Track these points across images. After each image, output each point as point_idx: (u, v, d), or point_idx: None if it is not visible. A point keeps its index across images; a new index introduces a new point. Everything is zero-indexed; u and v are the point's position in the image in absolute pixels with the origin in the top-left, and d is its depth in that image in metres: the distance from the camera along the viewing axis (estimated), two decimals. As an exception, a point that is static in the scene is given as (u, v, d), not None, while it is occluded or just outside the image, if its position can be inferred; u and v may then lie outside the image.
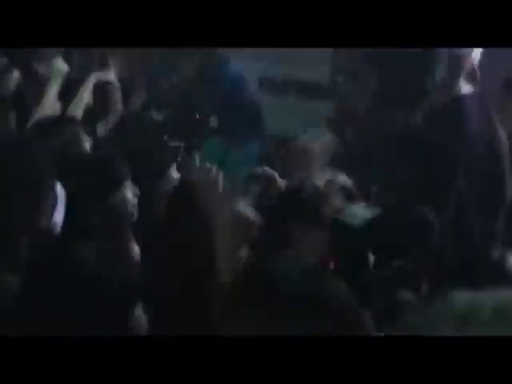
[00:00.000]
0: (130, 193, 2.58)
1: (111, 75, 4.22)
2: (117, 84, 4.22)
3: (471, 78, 3.17)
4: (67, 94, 3.90)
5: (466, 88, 3.18)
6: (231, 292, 1.44)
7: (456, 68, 3.14)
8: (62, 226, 2.21)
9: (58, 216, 2.20)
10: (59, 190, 2.22)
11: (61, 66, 3.79)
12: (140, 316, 1.80)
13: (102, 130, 3.92)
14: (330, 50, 5.49)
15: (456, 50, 3.08)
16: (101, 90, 4.05)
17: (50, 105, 3.69)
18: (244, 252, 1.99)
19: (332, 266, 2.33)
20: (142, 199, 2.67)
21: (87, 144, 3.18)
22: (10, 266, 1.94)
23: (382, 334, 1.15)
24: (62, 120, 3.35)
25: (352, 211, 2.63)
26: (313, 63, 5.93)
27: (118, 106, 4.20)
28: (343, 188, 2.91)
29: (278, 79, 6.15)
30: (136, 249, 2.48)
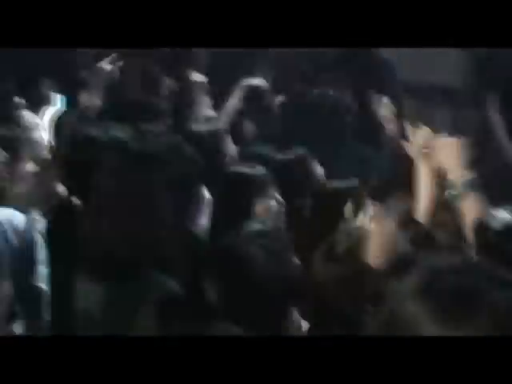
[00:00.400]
0: (273, 201, 2.60)
1: (262, 81, 4.26)
2: (268, 89, 4.25)
3: None
4: (218, 100, 4.00)
5: None
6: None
7: None
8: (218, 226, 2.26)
9: (204, 219, 2.25)
10: (206, 194, 2.27)
11: (200, 77, 3.93)
12: (297, 317, 1.80)
13: (250, 135, 3.97)
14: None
15: None
16: (252, 95, 4.10)
17: (201, 111, 3.80)
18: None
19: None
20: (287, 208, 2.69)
21: (234, 151, 3.23)
22: (162, 268, 1.98)
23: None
24: (212, 127, 3.42)
25: (495, 214, 2.53)
26: (450, 66, 5.80)
27: (270, 111, 4.23)
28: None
29: (423, 83, 5.98)
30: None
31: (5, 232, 2.23)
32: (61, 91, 4.78)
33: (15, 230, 2.28)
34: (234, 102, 3.92)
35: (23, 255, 2.30)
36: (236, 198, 2.46)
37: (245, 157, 3.17)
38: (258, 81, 4.10)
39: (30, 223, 2.39)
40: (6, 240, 2.23)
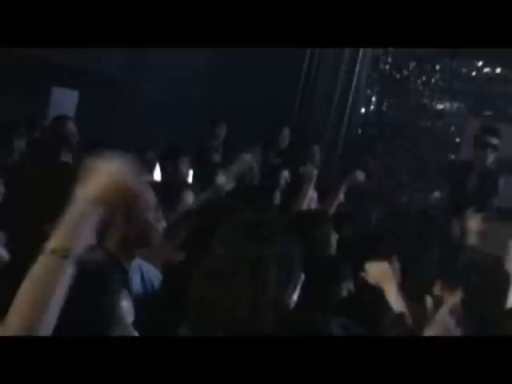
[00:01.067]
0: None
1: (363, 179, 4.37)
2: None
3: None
4: (324, 193, 4.11)
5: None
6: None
7: None
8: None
9: (296, 295, 2.31)
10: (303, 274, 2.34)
11: (311, 170, 4.04)
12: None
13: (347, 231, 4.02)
14: None
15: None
16: (356, 193, 4.22)
17: (306, 201, 3.90)
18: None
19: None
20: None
21: (333, 239, 3.30)
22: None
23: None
24: (317, 216, 3.50)
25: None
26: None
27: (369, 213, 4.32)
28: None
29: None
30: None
31: (143, 278, 2.37)
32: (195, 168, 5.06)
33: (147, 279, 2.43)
34: (340, 194, 4.06)
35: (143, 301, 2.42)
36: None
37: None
38: (361, 176, 4.24)
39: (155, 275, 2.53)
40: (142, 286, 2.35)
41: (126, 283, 1.89)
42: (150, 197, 2.46)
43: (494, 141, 5.49)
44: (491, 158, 5.50)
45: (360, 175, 4.35)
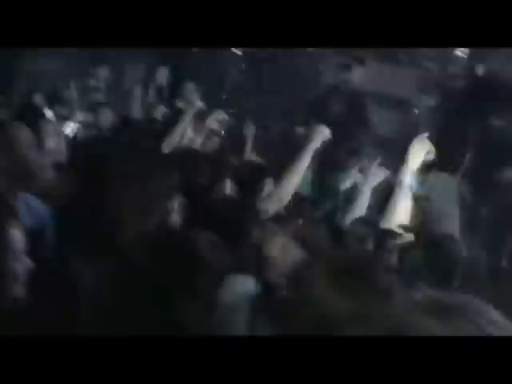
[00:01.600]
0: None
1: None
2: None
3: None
4: (199, 127, 4.06)
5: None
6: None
7: None
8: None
9: (177, 216, 2.32)
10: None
11: (193, 103, 3.98)
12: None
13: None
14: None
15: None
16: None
17: (179, 136, 3.81)
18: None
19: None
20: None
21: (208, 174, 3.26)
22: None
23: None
24: (187, 151, 3.45)
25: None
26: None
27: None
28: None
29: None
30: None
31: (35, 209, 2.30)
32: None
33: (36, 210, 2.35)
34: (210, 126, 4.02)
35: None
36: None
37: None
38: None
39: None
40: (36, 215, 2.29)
41: (13, 214, 1.82)
42: (27, 134, 2.43)
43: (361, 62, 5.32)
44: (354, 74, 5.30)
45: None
